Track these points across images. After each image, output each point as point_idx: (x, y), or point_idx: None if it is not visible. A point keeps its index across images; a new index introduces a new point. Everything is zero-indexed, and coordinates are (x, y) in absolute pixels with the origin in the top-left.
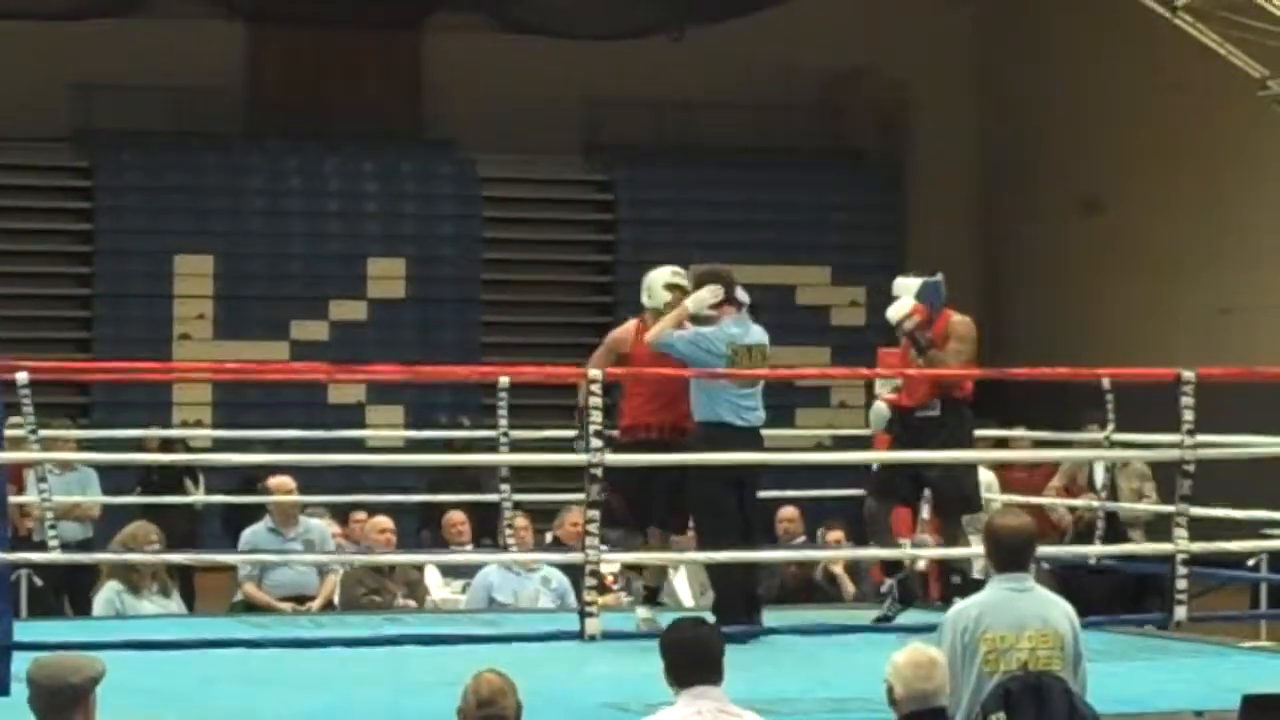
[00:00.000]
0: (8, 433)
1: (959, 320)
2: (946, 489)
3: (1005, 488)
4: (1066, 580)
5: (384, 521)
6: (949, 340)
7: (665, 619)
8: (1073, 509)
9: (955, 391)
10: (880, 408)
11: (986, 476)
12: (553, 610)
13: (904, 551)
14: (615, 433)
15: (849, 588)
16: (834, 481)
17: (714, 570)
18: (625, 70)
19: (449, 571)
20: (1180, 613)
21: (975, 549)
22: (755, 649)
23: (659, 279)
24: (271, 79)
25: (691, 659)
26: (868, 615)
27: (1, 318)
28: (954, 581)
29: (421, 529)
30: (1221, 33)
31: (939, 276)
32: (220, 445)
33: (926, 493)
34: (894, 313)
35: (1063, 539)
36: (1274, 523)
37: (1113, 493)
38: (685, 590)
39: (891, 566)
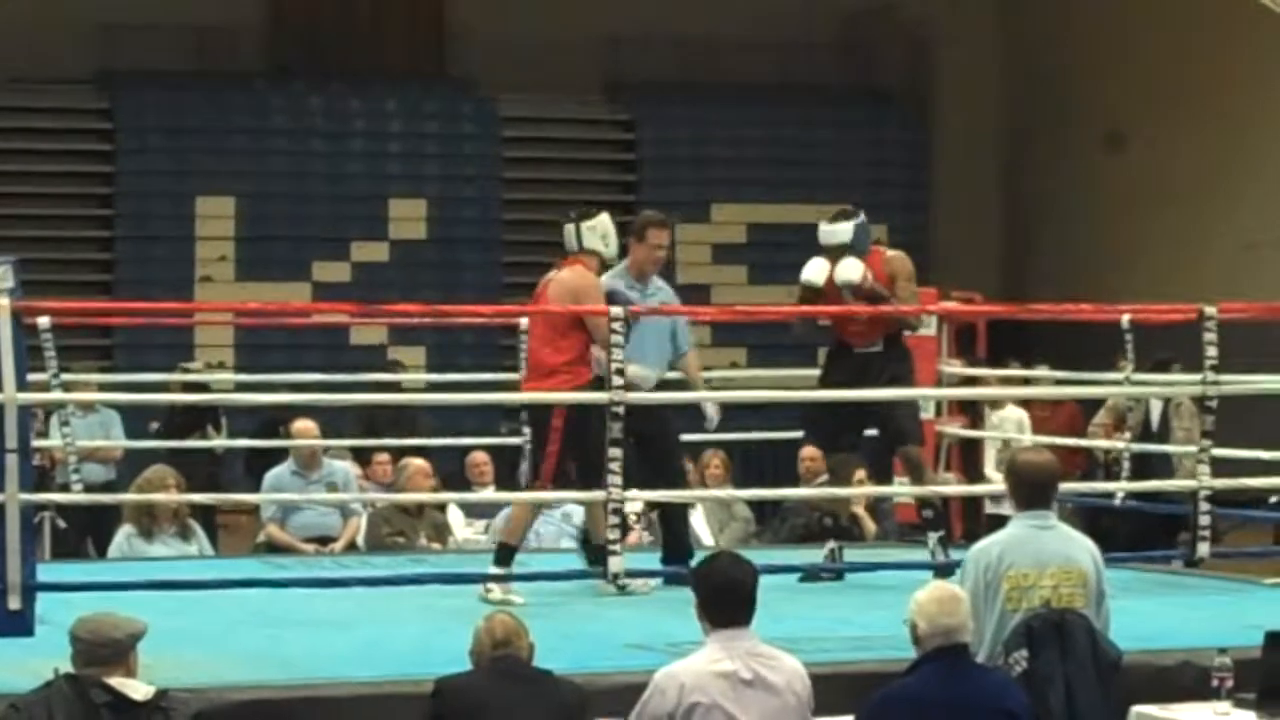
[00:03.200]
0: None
1: (896, 256)
2: (894, 423)
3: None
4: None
5: (423, 464)
6: (896, 280)
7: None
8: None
9: (900, 328)
10: (855, 264)
11: (1017, 414)
12: (574, 550)
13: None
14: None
15: (870, 527)
16: None
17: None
18: (647, 8)
19: (472, 512)
20: (1203, 549)
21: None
22: (776, 588)
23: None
24: (294, 18)
25: (723, 596)
26: (889, 554)
27: (23, 260)
28: (926, 516)
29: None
30: None
31: (863, 217)
32: (243, 389)
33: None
34: (851, 274)
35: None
36: None
37: (1165, 434)
38: (704, 528)
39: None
